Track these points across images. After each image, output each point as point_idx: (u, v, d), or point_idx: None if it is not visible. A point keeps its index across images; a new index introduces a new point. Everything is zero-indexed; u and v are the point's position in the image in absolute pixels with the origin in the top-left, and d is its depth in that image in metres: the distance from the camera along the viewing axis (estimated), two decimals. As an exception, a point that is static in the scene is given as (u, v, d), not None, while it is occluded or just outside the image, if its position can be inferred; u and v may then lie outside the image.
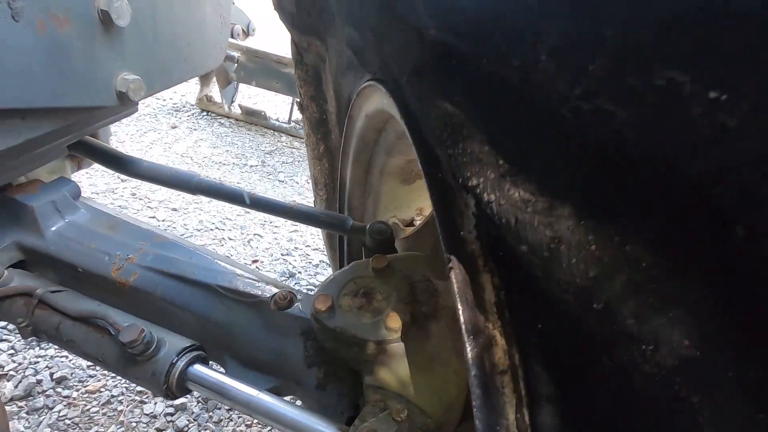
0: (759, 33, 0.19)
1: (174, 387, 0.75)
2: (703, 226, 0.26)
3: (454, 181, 0.35)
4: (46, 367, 1.60)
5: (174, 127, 3.54)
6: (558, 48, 0.25)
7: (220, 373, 0.79)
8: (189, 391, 0.79)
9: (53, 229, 0.98)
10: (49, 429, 1.42)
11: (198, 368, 0.78)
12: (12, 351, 1.64)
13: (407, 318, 0.74)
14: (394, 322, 0.72)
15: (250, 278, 0.95)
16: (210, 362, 0.93)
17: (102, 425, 1.46)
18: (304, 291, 2.27)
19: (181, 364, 0.76)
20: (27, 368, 1.59)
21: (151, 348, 0.74)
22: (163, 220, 2.54)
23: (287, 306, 0.87)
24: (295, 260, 2.35)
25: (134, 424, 1.49)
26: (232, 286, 0.91)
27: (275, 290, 0.90)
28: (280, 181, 3.10)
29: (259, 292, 0.90)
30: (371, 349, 0.71)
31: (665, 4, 0.20)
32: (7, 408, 1.46)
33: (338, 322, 0.73)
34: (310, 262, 2.35)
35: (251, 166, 3.21)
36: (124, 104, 0.99)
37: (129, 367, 0.77)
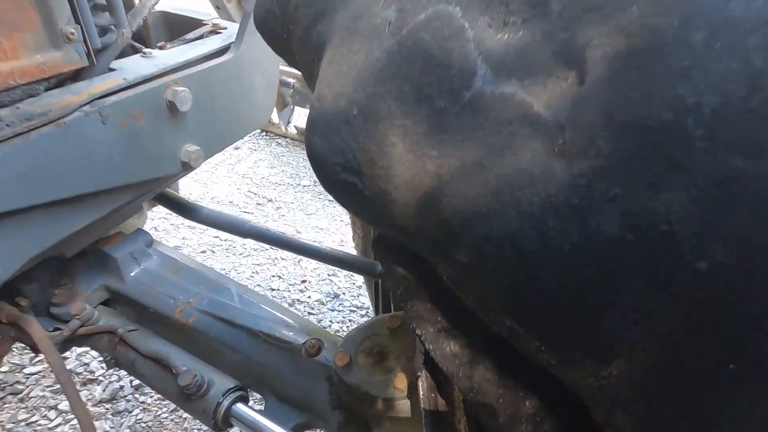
0: (562, 309, 0.27)
1: (220, 422, 0.91)
2: (575, 405, 0.34)
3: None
4: (127, 374, 1.87)
5: (236, 148, 3.85)
6: (455, 279, 0.34)
7: (258, 412, 0.93)
8: (232, 426, 0.94)
9: (132, 275, 1.19)
10: (129, 430, 1.67)
11: (239, 407, 0.93)
12: (101, 358, 1.93)
13: (414, 377, 0.83)
14: (401, 382, 0.82)
15: (287, 324, 1.09)
16: (253, 395, 1.09)
17: (170, 430, 1.69)
18: (346, 311, 2.39)
19: (226, 403, 0.92)
20: (112, 374, 1.86)
21: (202, 390, 0.90)
22: (225, 239, 2.80)
23: (316, 353, 0.99)
24: (340, 281, 2.50)
25: (196, 431, 1.71)
26: (271, 332, 1.05)
27: (307, 338, 1.03)
28: (329, 200, 3.28)
29: (293, 339, 1.04)
30: (380, 405, 0.82)
31: (506, 280, 0.29)
32: (95, 409, 1.73)
33: (353, 379, 0.84)
34: (354, 283, 2.49)
35: (304, 186, 3.42)
36: (187, 170, 1.17)
37: (185, 403, 0.94)
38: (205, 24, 1.39)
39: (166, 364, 0.96)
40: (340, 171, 0.36)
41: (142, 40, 1.44)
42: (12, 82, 0.80)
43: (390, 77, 0.32)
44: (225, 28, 1.37)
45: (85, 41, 0.90)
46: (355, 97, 0.33)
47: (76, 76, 0.94)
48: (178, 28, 1.46)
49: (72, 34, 0.86)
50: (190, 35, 1.32)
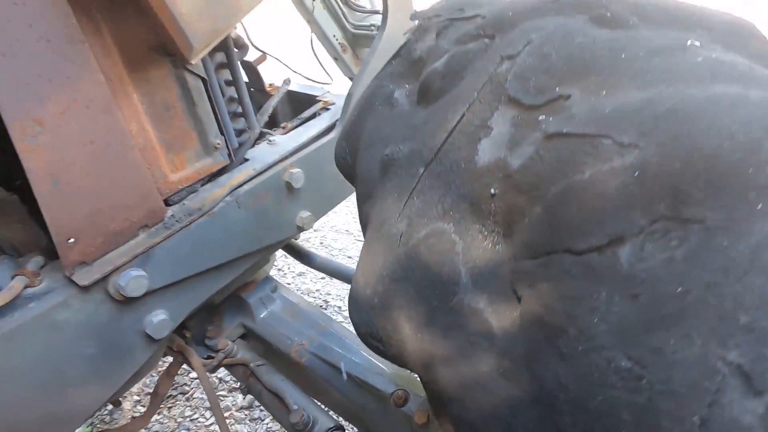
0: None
1: (321, 456, 1.08)
2: None
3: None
4: (261, 386, 2.22)
5: (354, 177, 4.21)
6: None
7: (351, 451, 1.08)
8: (332, 460, 1.11)
9: (261, 316, 1.46)
10: (261, 436, 1.99)
11: (337, 444, 1.10)
12: (242, 369, 2.33)
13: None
14: (472, 448, 0.89)
15: (380, 372, 1.23)
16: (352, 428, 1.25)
17: (292, 440, 1.97)
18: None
19: (326, 440, 1.09)
20: (250, 385, 2.23)
21: (307, 427, 1.09)
22: (341, 266, 3.11)
23: (402, 404, 1.12)
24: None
25: (313, 444, 1.96)
26: (365, 379, 1.21)
27: (395, 387, 1.16)
28: (437, 228, 3.39)
29: (383, 387, 1.18)
30: (452, 467, 0.90)
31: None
32: (237, 414, 2.10)
33: (429, 438, 0.94)
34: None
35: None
36: (301, 232, 1.41)
37: (296, 435, 1.14)
38: (318, 101, 1.63)
39: (282, 399, 1.18)
40: (368, 337, 0.48)
41: (272, 115, 1.75)
42: (180, 187, 1.09)
43: (399, 279, 0.42)
44: (334, 104, 1.60)
45: (227, 145, 1.18)
46: (377, 289, 0.45)
47: (221, 170, 1.22)
48: (299, 102, 1.74)
49: (218, 143, 1.14)
50: (306, 113, 1.57)
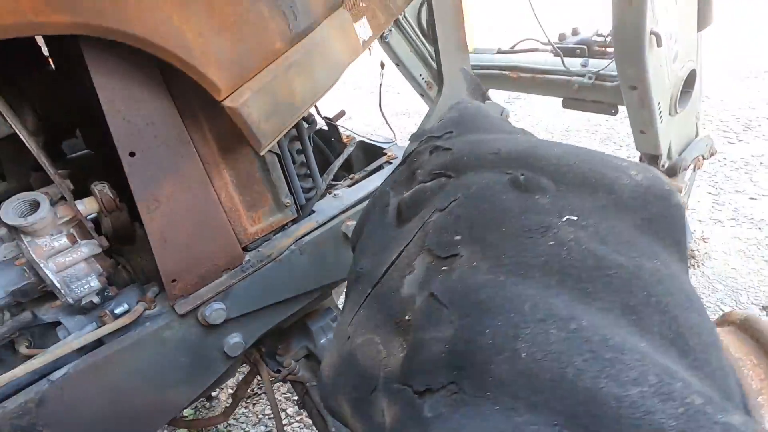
0: None
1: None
2: None
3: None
4: (329, 397, 2.48)
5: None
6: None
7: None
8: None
9: (321, 342, 1.70)
10: (323, 443, 2.23)
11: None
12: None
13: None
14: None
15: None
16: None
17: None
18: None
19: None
20: (320, 395, 2.51)
21: (340, 449, 1.28)
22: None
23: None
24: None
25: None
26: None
27: None
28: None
29: None
30: None
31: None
32: (307, 420, 2.37)
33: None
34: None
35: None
36: (357, 273, 1.61)
37: (332, 453, 1.33)
38: (385, 153, 1.84)
39: (325, 421, 1.39)
40: (328, 408, 0.64)
41: (347, 162, 2.00)
42: (256, 237, 1.37)
43: (342, 372, 0.58)
44: (396, 158, 1.78)
45: (295, 203, 1.43)
46: (330, 374, 0.61)
47: (291, 221, 1.48)
48: (370, 152, 1.97)
49: (288, 202, 1.40)
50: (372, 166, 1.78)
